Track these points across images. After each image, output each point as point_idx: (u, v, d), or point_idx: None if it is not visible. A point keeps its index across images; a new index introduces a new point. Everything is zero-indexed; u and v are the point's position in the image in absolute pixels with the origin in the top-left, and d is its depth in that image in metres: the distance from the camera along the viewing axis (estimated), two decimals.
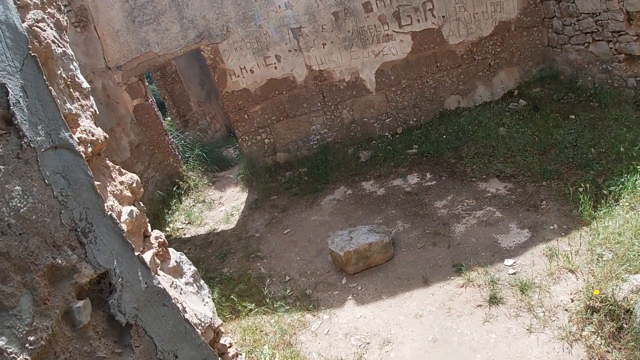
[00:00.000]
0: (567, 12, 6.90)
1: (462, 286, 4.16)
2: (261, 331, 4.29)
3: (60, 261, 1.10)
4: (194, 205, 8.04)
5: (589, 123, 6.14)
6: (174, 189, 8.23)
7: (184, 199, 8.17)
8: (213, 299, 4.82)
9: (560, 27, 7.17)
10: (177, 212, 7.84)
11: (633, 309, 3.08)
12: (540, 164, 5.66)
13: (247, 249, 6.08)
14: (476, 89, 7.67)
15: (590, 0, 6.37)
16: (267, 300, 4.63)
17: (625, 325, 3.09)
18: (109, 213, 1.29)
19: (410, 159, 6.83)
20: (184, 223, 7.58)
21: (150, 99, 8.16)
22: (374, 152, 7.31)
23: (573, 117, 6.46)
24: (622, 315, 3.12)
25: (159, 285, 1.42)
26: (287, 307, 4.53)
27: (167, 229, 7.46)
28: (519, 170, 5.72)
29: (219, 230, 7.02)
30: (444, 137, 6.88)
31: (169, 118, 12.80)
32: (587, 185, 4.77)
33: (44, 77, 1.21)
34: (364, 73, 7.43)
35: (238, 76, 7.54)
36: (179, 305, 1.75)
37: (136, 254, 1.35)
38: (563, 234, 4.42)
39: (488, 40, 7.45)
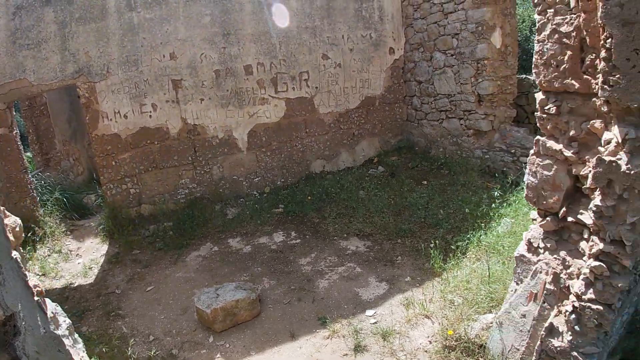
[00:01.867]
0: (426, 92, 7.94)
1: (328, 337, 4.41)
2: None
3: None
4: (49, 255, 7.44)
5: (439, 188, 7.00)
6: (29, 234, 7.54)
7: (38, 247, 7.52)
8: None
9: (419, 104, 8.20)
10: (30, 262, 7.18)
11: (485, 343, 3.56)
12: (395, 223, 6.29)
13: (107, 306, 5.79)
14: (340, 155, 8.33)
15: (447, 84, 7.44)
16: None
17: (480, 359, 3.55)
18: (14, 257, 1.29)
19: (276, 217, 7.11)
20: (38, 275, 6.96)
21: (15, 131, 7.50)
22: (241, 209, 7.49)
23: (425, 182, 7.33)
24: (477, 351, 3.59)
25: (56, 332, 1.44)
26: None
27: None
28: (376, 229, 6.29)
29: (76, 284, 6.57)
30: (309, 198, 7.32)
31: (29, 154, 11.75)
32: (437, 241, 5.38)
33: None
34: (237, 132, 7.70)
35: (111, 120, 7.33)
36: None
37: (35, 299, 1.35)
38: (417, 284, 4.95)
39: (354, 112, 8.22)
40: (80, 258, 7.39)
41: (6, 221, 1.81)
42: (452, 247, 5.33)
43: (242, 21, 7.42)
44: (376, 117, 8.41)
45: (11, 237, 1.76)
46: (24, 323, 1.26)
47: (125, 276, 6.42)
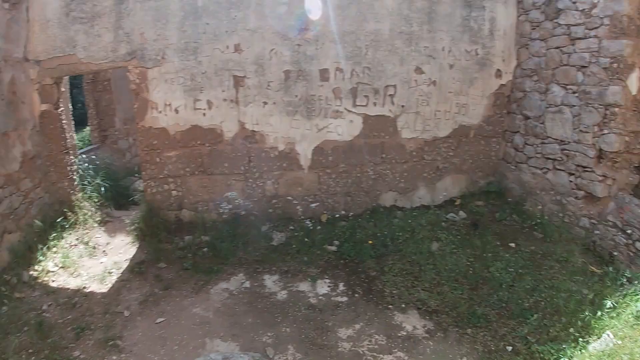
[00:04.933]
0: (532, 131, 6.38)
1: None
2: None
3: None
4: (75, 246, 6.80)
5: (530, 258, 5.51)
6: (59, 219, 6.96)
7: (66, 235, 6.89)
8: None
9: (522, 144, 6.65)
10: (54, 249, 6.58)
11: None
12: (469, 302, 4.91)
13: (108, 330, 4.95)
14: (417, 189, 6.96)
15: (562, 127, 5.87)
16: None
17: None
18: None
19: (326, 257, 5.88)
20: (57, 266, 6.33)
21: (61, 108, 6.94)
22: (289, 237, 6.33)
23: (514, 245, 5.85)
24: None
25: None
26: None
27: (37, 268, 6.18)
28: (444, 305, 4.93)
29: (89, 290, 5.83)
30: (370, 242, 5.99)
31: (88, 128, 11.48)
32: (518, 345, 4.14)
33: None
34: (301, 146, 6.56)
35: (160, 112, 6.50)
36: None
37: None
38: None
39: (443, 141, 6.81)
40: (105, 256, 6.69)
41: None
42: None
43: (325, 16, 6.22)
44: (468, 151, 6.92)
45: None
46: None
47: (140, 295, 5.56)
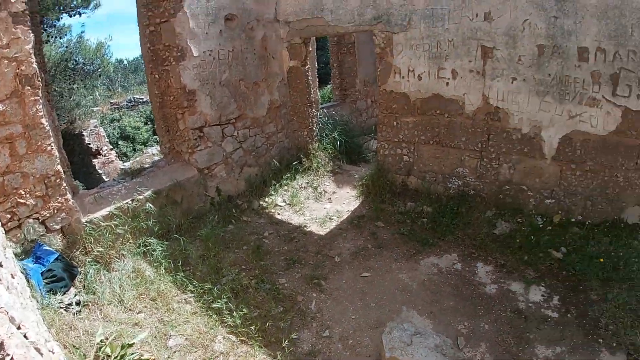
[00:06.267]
0: None
1: None
2: None
3: None
4: (304, 188, 7.52)
5: None
6: (294, 163, 7.74)
7: (298, 177, 7.66)
8: (240, 313, 4.24)
9: None
10: (285, 188, 7.40)
11: None
12: None
13: (316, 269, 5.42)
14: None
15: None
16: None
17: None
18: None
19: (548, 263, 5.17)
20: (285, 202, 7.14)
21: (308, 65, 7.61)
22: (513, 230, 5.75)
23: None
24: None
25: None
26: None
27: (267, 200, 7.12)
28: None
29: (308, 229, 6.43)
30: (601, 260, 5.08)
31: (329, 87, 12.24)
32: None
33: None
34: (547, 133, 5.80)
35: (403, 77, 6.54)
36: None
37: None
38: None
39: None
40: (329, 203, 7.23)
41: None
42: None
43: None
44: None
45: None
46: None
47: (353, 246, 5.87)
